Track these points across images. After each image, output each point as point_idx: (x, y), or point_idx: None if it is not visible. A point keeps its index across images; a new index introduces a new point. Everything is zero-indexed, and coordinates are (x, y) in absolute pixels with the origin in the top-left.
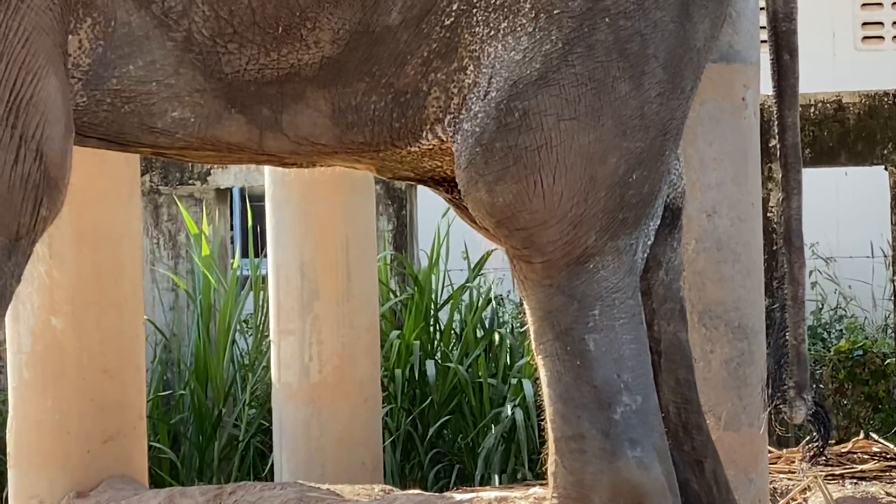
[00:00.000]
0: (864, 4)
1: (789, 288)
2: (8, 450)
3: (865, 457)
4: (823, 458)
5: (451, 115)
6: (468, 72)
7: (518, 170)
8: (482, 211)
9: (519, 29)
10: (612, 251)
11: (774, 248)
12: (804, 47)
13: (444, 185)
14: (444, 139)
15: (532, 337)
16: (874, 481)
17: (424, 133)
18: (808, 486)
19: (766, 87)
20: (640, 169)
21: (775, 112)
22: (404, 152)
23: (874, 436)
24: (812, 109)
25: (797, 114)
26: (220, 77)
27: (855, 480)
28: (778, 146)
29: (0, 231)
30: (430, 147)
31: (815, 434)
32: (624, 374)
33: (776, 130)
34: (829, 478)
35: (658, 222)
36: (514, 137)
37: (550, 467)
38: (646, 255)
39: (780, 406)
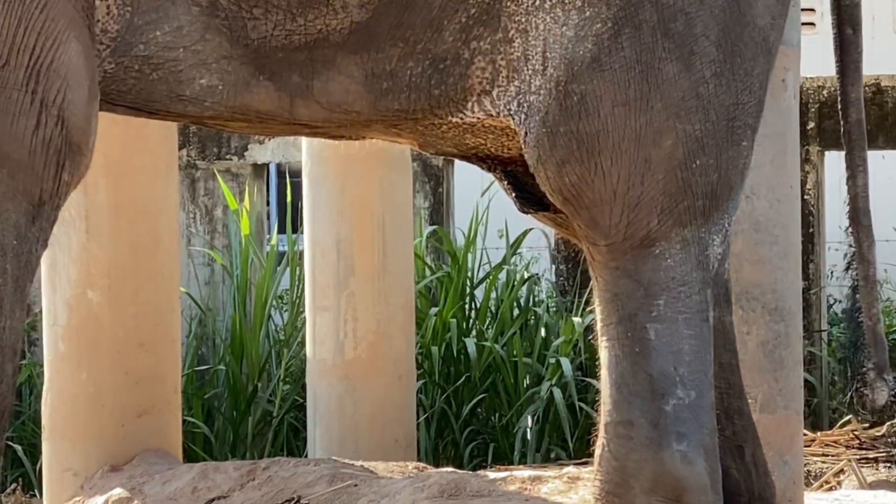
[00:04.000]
0: None
1: (860, 267)
2: (42, 422)
3: None
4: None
5: (501, 89)
6: (515, 44)
7: (581, 154)
8: (549, 187)
9: (567, 1)
10: (678, 240)
11: (811, 230)
12: None
13: (487, 162)
14: (494, 113)
15: (598, 319)
16: None
17: (470, 104)
18: (842, 470)
19: (806, 69)
20: (705, 155)
21: (838, 88)
22: (445, 125)
23: None
24: None
25: (861, 89)
26: (246, 43)
27: (889, 464)
28: (842, 123)
29: (23, 196)
30: (474, 121)
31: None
32: (681, 367)
33: (839, 107)
34: (863, 461)
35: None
36: (575, 123)
37: (597, 450)
38: (720, 254)
39: (862, 389)
